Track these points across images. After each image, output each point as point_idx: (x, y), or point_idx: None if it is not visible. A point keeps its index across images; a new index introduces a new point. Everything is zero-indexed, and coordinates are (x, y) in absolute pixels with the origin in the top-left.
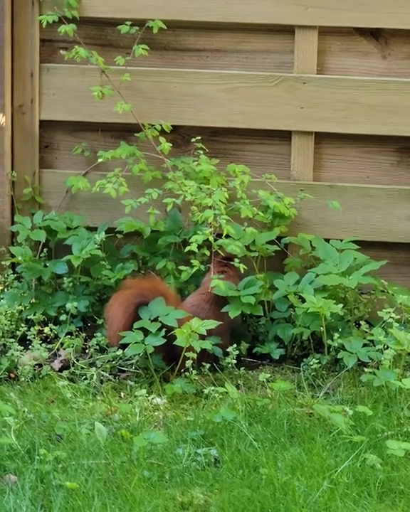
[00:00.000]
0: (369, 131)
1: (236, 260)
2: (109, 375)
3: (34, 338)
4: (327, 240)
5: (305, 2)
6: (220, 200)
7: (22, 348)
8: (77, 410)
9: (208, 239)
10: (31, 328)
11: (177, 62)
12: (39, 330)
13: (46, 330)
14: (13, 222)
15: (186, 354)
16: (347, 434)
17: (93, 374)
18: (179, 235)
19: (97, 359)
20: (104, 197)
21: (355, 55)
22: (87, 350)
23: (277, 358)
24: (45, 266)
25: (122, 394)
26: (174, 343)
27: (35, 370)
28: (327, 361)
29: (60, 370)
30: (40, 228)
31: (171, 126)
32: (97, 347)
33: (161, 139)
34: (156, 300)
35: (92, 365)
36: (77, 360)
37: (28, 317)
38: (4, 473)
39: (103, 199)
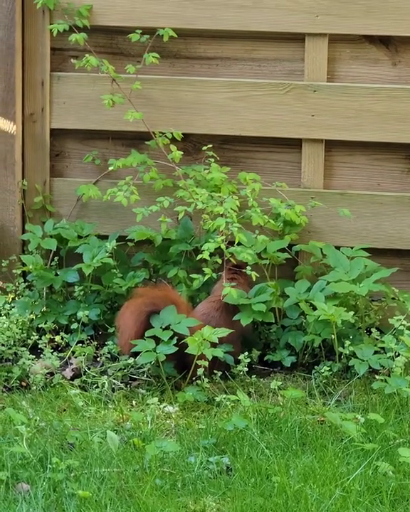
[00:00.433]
0: (379, 138)
1: (248, 268)
2: (121, 383)
3: (45, 346)
4: (338, 248)
5: (315, 10)
6: (231, 208)
7: (33, 356)
8: (89, 419)
9: (219, 247)
10: (42, 337)
11: (188, 70)
12: (50, 338)
13: (57, 338)
14: (24, 231)
15: (197, 362)
16: (359, 441)
17: (105, 382)
18: (191, 243)
19: (109, 367)
20: (115, 205)
21: (365, 62)
22: (98, 359)
23: (289, 365)
24: (56, 274)
25: (134, 402)
26: (185, 351)
27: (46, 378)
28: (339, 369)
29: (72, 378)
30: (51, 237)
31: (182, 134)
32: (109, 355)
33: (172, 147)
34: (167, 308)
35: (103, 373)
36: (89, 369)
37: (40, 326)
38: (17, 481)
39: (114, 207)
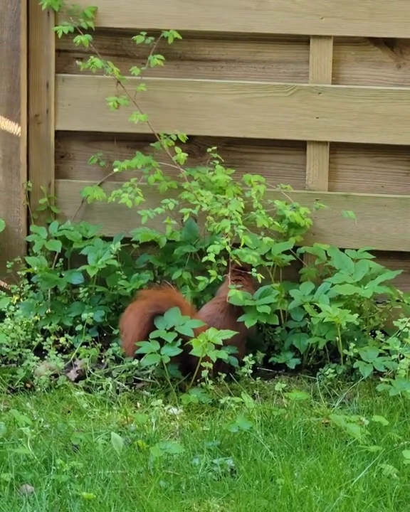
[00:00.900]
0: (384, 140)
1: (253, 270)
2: (125, 385)
3: (50, 348)
4: (342, 250)
5: (320, 12)
6: (236, 210)
7: (38, 358)
8: (94, 420)
9: (224, 249)
10: (47, 339)
11: (192, 72)
12: (55, 340)
13: (62, 340)
14: (28, 233)
15: (202, 364)
16: (363, 444)
17: (109, 384)
18: (195, 244)
19: (113, 369)
20: (120, 207)
21: (370, 64)
22: (103, 361)
23: (293, 367)
24: (61, 276)
25: (138, 404)
26: (189, 353)
27: (51, 380)
28: (343, 371)
29: (76, 380)
30: (55, 238)
31: (187, 136)
32: (113, 357)
33: (177, 149)
34: (171, 310)
35: (108, 375)
36: (93, 370)
37: (44, 327)
38: (21, 483)
39: (119, 209)
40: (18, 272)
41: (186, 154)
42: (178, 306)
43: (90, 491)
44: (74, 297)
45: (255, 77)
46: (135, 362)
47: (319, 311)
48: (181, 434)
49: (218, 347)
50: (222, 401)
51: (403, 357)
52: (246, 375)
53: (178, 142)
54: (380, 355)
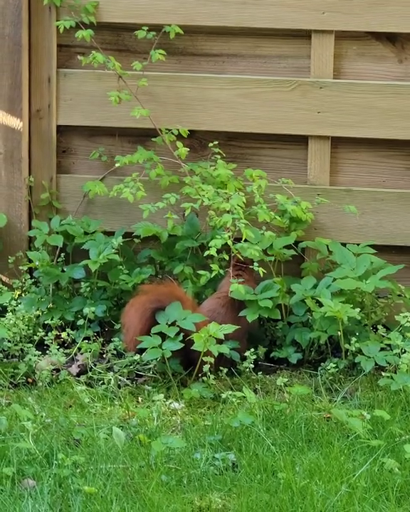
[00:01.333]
0: (385, 135)
1: (255, 264)
2: (127, 379)
3: (51, 343)
4: (344, 244)
5: (322, 7)
6: (238, 205)
7: (39, 353)
8: (95, 415)
9: (226, 243)
10: (49, 333)
11: (194, 67)
12: (56, 335)
13: (64, 335)
14: (30, 227)
15: (203, 359)
16: (365, 438)
17: (111, 379)
18: (197, 239)
19: (115, 364)
20: (122, 202)
21: (371, 59)
22: (104, 355)
23: (295, 362)
24: (63, 271)
25: (140, 399)
26: (191, 347)
27: (52, 374)
28: (345, 365)
29: (78, 374)
30: (57, 233)
31: (188, 131)
32: (115, 352)
33: (178, 144)
34: (173, 304)
35: (109, 369)
36: (95, 365)
37: (46, 322)
38: (23, 477)
39: (120, 204)
40: (20, 267)
41: (188, 149)
42: (179, 301)
43: (91, 485)
44: (76, 292)
45: (257, 71)
46: (137, 356)
47: (320, 305)
48: (183, 428)
49: (219, 341)
50: (224, 395)
51: (404, 351)
52: (248, 369)
53: (179, 137)
54: (382, 349)
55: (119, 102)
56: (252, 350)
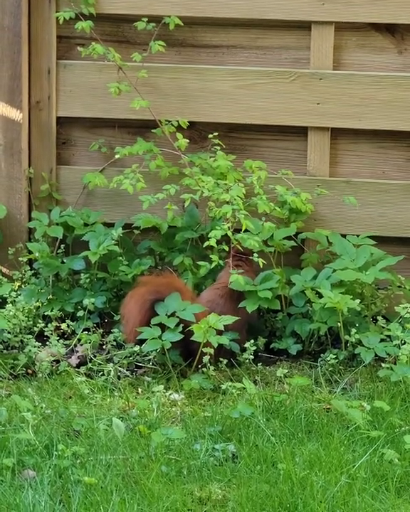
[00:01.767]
0: (385, 126)
1: (255, 255)
2: (127, 371)
3: (51, 334)
4: (344, 236)
5: None
6: (237, 196)
7: (39, 344)
8: (95, 406)
9: (226, 234)
10: (48, 325)
11: (194, 58)
12: (56, 326)
13: (63, 326)
14: (30, 219)
15: (203, 350)
16: (365, 429)
17: (110, 370)
18: (196, 230)
19: (115, 355)
20: (121, 193)
21: (371, 50)
22: (104, 346)
23: (295, 353)
24: (63, 262)
25: (140, 390)
26: (191, 338)
27: (52, 366)
28: (345, 357)
29: (78, 366)
30: (57, 224)
31: (188, 122)
32: (115, 343)
33: (178, 135)
34: (172, 295)
35: (109, 361)
36: (95, 356)
37: (46, 313)
38: (23, 468)
39: (120, 195)
40: (20, 258)
41: (187, 140)
42: (178, 292)
43: (91, 476)
44: (75, 283)
45: (256, 63)
46: (136, 348)
47: (320, 296)
48: (183, 419)
49: (219, 332)
50: (223, 387)
51: (404, 342)
52: (247, 360)
53: (179, 128)
54: (381, 340)
55: (119, 94)
56: (252, 341)
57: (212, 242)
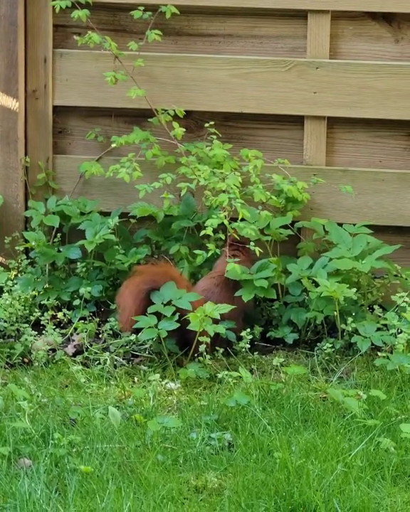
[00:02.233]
0: (381, 115)
1: (251, 244)
2: (123, 359)
3: (48, 323)
4: (340, 225)
5: None
6: (234, 184)
7: (36, 333)
8: (91, 395)
9: (222, 223)
10: (45, 313)
11: (190, 47)
12: (53, 315)
13: (60, 315)
14: (26, 208)
15: (199, 339)
16: (361, 418)
17: (107, 359)
18: (193, 219)
19: (111, 344)
20: (118, 182)
21: (368, 39)
22: (100, 335)
23: (291, 342)
24: (59, 251)
25: (136, 379)
26: (187, 327)
27: (49, 355)
28: (341, 345)
29: (74, 355)
30: (53, 213)
31: (184, 111)
32: (111, 332)
33: (175, 124)
34: (167, 284)
35: (105, 349)
36: (91, 345)
37: (42, 302)
38: (19, 457)
39: (116, 184)
40: (16, 247)
41: (184, 129)
42: (174, 281)
43: (87, 464)
44: (72, 272)
45: (253, 52)
46: (133, 336)
47: (317, 285)
48: (179, 408)
49: (215, 321)
50: (220, 375)
51: (400, 331)
52: (244, 349)
53: (175, 117)
54: (378, 329)
55: (115, 83)
56: (248, 330)
57: (208, 231)
